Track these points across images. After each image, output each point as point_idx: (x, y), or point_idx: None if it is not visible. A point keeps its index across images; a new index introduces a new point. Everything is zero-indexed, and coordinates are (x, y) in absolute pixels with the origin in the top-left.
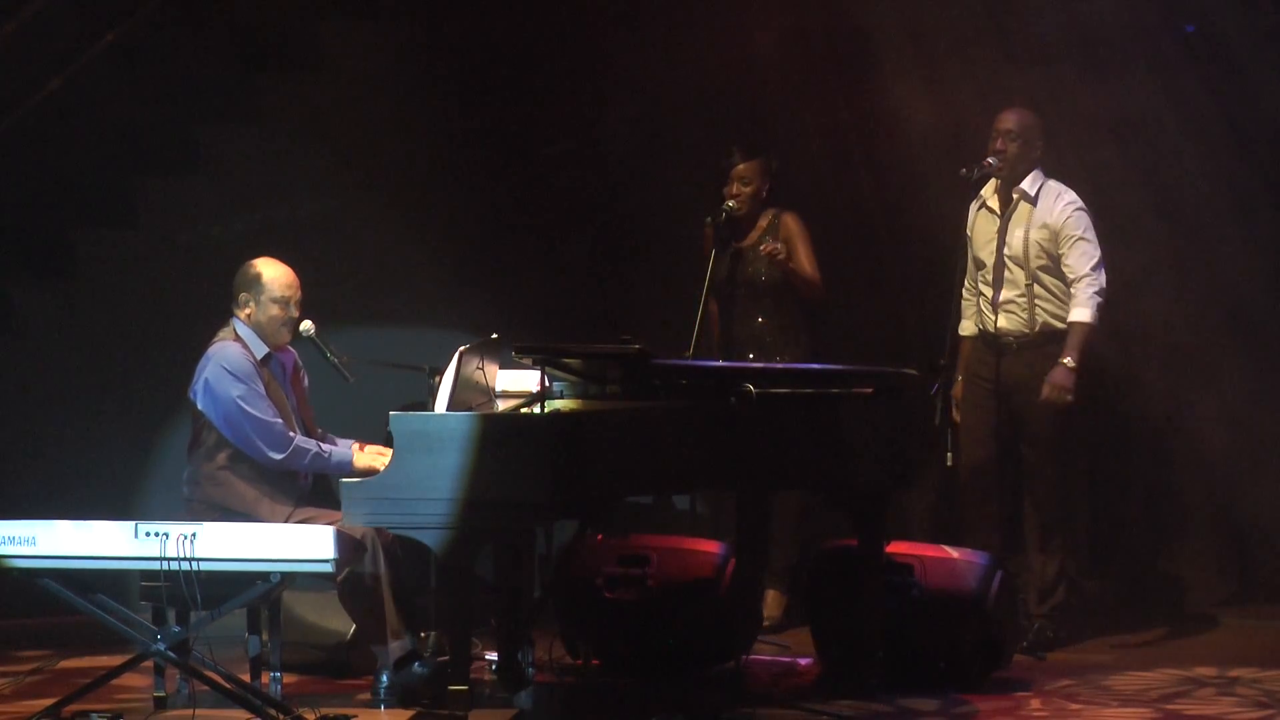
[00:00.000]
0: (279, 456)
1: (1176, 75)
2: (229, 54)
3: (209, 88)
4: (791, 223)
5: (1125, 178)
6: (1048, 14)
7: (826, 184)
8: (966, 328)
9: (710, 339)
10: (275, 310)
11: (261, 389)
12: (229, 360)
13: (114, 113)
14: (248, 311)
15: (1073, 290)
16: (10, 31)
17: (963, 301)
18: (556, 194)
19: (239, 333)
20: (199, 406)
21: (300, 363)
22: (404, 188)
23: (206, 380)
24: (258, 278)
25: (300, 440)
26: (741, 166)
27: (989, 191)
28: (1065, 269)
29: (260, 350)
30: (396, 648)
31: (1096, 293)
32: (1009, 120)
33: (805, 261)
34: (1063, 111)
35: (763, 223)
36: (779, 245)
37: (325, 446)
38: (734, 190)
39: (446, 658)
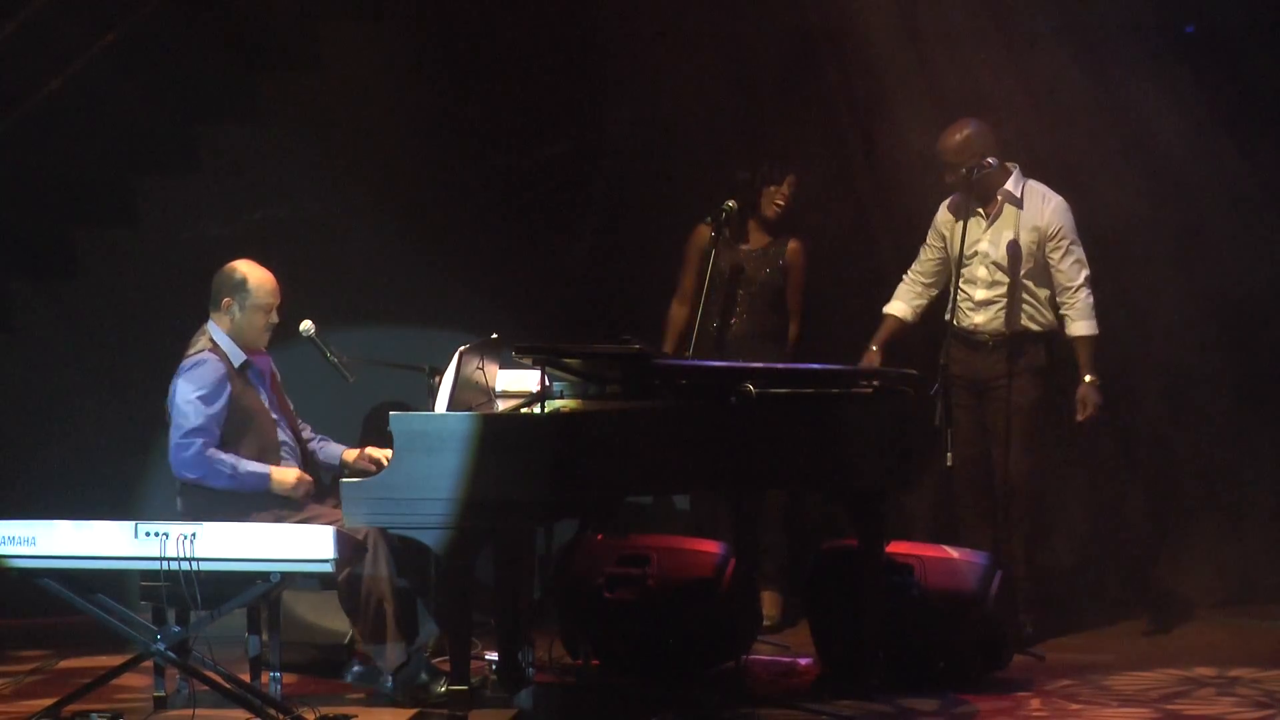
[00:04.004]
0: (177, 475)
1: (1176, 75)
2: (229, 54)
3: (209, 87)
4: (797, 252)
5: (1125, 178)
6: (1047, 13)
7: (825, 183)
8: (898, 309)
9: (699, 337)
10: (259, 318)
11: (217, 409)
12: (196, 377)
13: (114, 113)
14: (229, 316)
15: (1069, 301)
16: (10, 31)
17: (909, 286)
18: (556, 194)
19: (215, 339)
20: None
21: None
22: (404, 187)
23: (173, 393)
24: (243, 282)
25: (215, 461)
26: (793, 176)
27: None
28: (1058, 274)
29: (238, 358)
30: (398, 650)
31: (1092, 304)
32: (946, 153)
33: (797, 292)
34: (1063, 112)
35: (768, 236)
36: None
37: (243, 466)
38: (786, 192)
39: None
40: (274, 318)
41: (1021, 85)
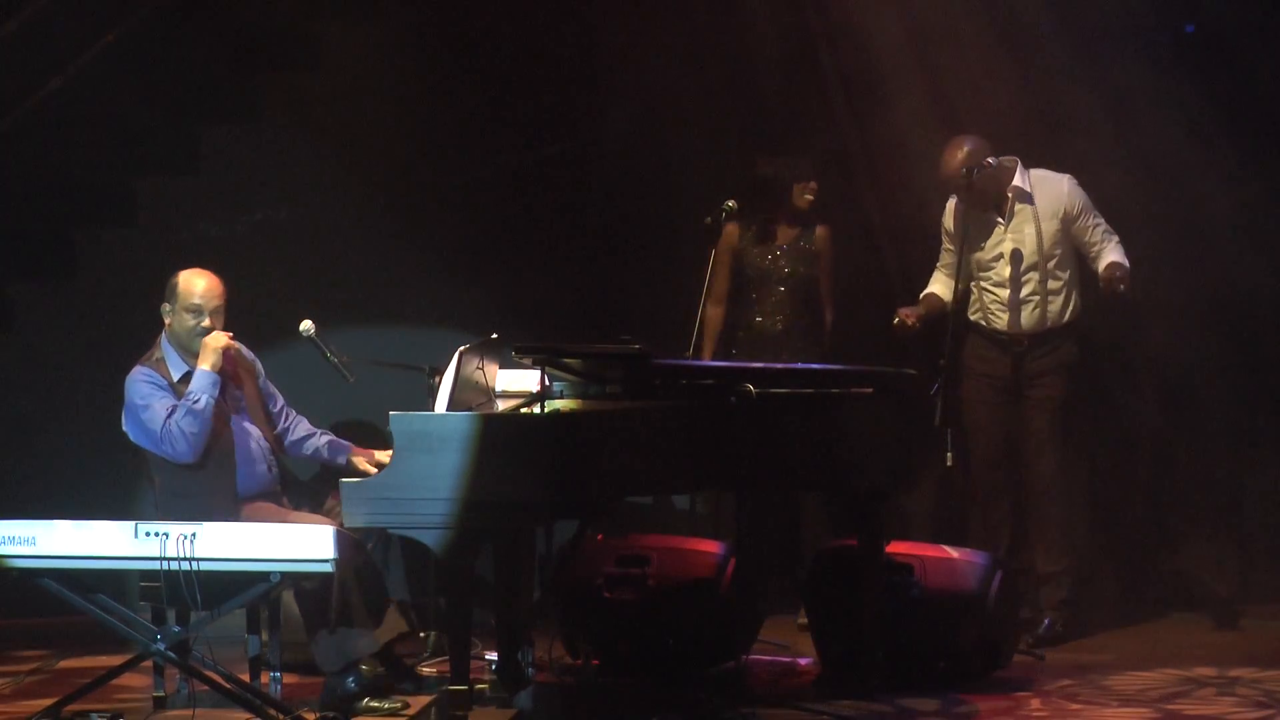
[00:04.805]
0: (189, 459)
1: (1176, 75)
2: (229, 54)
3: (209, 87)
4: (825, 237)
5: (1125, 178)
6: (1047, 13)
7: (825, 182)
8: (938, 289)
9: (724, 339)
10: (189, 320)
11: (167, 396)
12: (133, 391)
13: (114, 113)
14: (169, 323)
15: (1103, 245)
16: (10, 31)
17: (940, 279)
18: (556, 194)
19: (162, 351)
20: (131, 438)
21: (247, 355)
22: (404, 187)
23: (125, 412)
24: (174, 288)
25: (179, 420)
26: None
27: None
28: (1089, 246)
29: (179, 369)
30: (335, 644)
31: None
32: (954, 176)
33: (828, 278)
34: (1063, 112)
35: (796, 228)
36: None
37: (194, 394)
38: (814, 185)
39: (382, 672)
40: (206, 321)
41: (1021, 85)
